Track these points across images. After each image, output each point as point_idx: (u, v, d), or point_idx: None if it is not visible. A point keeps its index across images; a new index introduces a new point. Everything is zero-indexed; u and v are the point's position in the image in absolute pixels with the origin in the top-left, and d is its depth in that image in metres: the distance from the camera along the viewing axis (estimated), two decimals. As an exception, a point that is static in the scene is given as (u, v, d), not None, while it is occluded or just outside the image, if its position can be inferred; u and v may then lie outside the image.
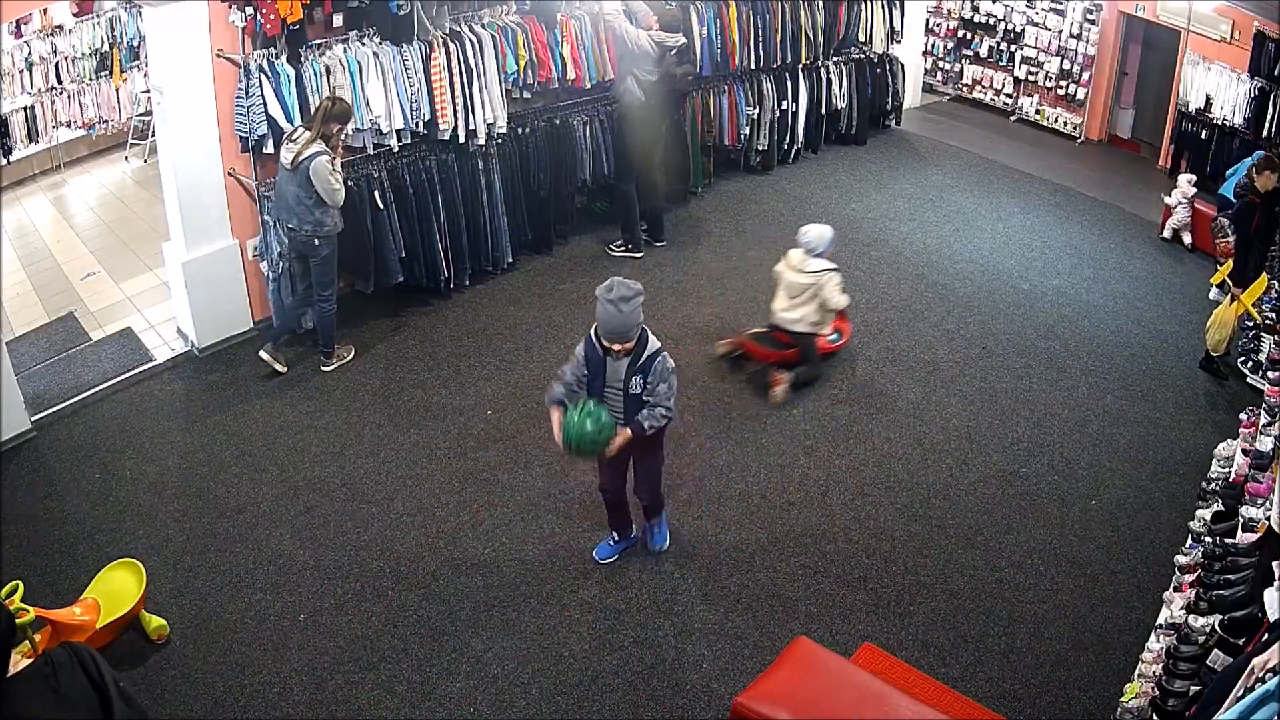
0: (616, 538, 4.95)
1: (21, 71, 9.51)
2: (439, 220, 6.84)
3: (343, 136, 5.99)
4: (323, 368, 6.36)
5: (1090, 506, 5.43)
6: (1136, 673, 4.22)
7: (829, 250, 5.95)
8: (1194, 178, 8.44)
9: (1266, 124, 8.68)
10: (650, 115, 7.38)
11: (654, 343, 4.31)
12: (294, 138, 5.76)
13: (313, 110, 5.92)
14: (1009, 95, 11.40)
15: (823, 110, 9.57)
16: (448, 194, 6.85)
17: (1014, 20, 11.02)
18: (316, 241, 5.91)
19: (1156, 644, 4.27)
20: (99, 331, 6.82)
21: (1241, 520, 4.52)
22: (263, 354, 6.23)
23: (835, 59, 9.52)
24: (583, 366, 4.37)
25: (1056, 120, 11.02)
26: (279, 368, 6.25)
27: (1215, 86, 9.15)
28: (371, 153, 6.57)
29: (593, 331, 4.31)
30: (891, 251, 8.05)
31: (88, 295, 7.39)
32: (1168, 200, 8.44)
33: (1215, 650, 3.65)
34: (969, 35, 11.54)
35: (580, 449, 4.27)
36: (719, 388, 6.26)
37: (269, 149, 6.11)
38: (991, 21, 11.22)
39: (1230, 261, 6.48)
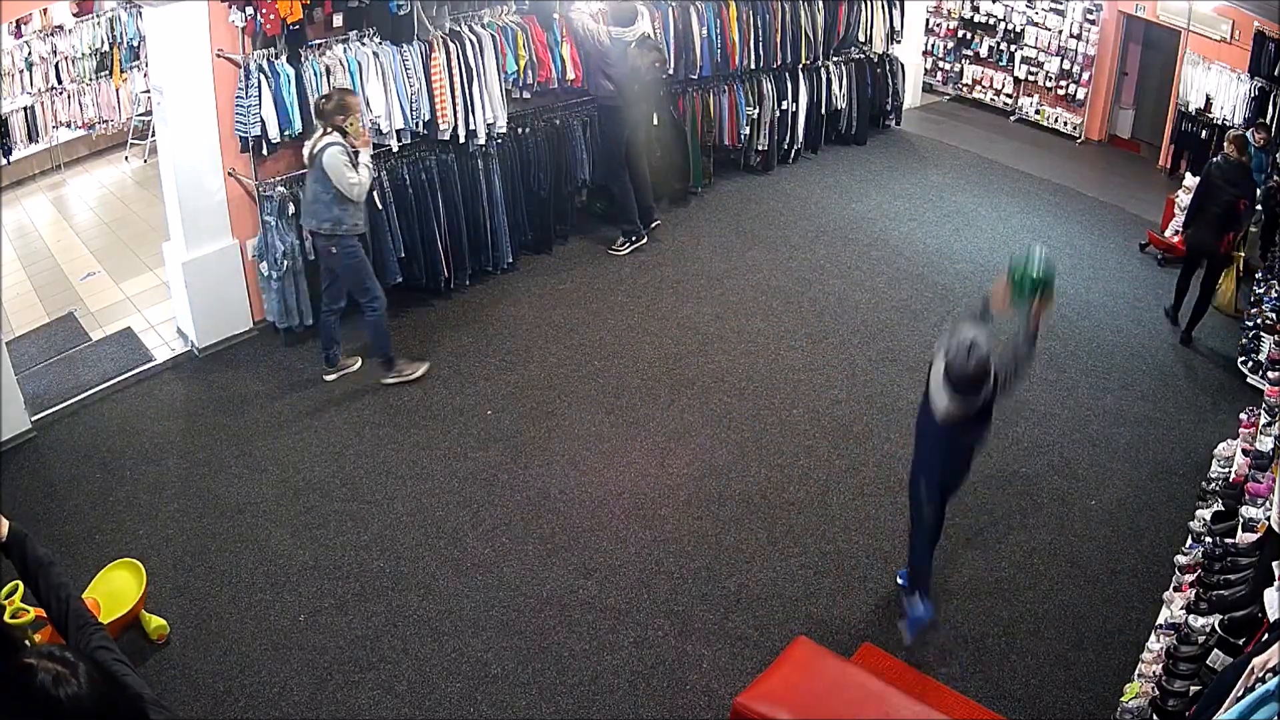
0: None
1: (21, 71, 9.49)
2: (439, 220, 6.84)
3: (360, 125, 5.66)
4: (383, 380, 6.18)
5: (1090, 506, 5.43)
6: (1136, 673, 4.22)
7: None
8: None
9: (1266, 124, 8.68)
10: (627, 112, 7.35)
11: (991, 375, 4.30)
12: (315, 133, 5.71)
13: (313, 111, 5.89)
14: (1009, 95, 11.40)
15: (823, 110, 9.56)
16: (448, 194, 6.85)
17: (1014, 20, 11.02)
18: (334, 250, 5.71)
19: (1156, 644, 4.27)
20: (99, 331, 6.81)
21: (1241, 520, 4.52)
22: (328, 378, 6.21)
23: (835, 59, 9.51)
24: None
25: (1056, 120, 11.02)
26: (351, 367, 6.30)
27: (1215, 86, 9.15)
28: (371, 153, 6.56)
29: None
30: (891, 251, 8.05)
31: (88, 295, 7.39)
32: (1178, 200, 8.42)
33: (1215, 650, 3.65)
34: (969, 35, 11.54)
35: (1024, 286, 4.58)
36: (719, 387, 6.27)
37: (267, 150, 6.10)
38: (991, 21, 11.22)
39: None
